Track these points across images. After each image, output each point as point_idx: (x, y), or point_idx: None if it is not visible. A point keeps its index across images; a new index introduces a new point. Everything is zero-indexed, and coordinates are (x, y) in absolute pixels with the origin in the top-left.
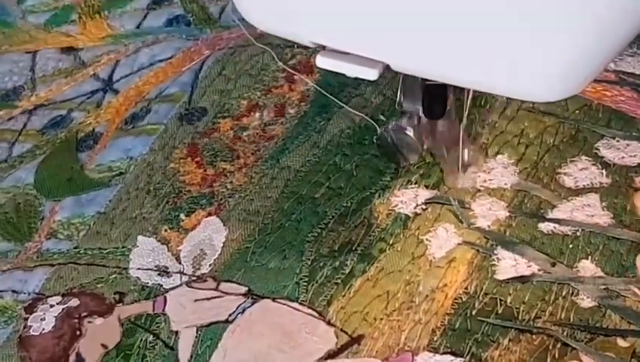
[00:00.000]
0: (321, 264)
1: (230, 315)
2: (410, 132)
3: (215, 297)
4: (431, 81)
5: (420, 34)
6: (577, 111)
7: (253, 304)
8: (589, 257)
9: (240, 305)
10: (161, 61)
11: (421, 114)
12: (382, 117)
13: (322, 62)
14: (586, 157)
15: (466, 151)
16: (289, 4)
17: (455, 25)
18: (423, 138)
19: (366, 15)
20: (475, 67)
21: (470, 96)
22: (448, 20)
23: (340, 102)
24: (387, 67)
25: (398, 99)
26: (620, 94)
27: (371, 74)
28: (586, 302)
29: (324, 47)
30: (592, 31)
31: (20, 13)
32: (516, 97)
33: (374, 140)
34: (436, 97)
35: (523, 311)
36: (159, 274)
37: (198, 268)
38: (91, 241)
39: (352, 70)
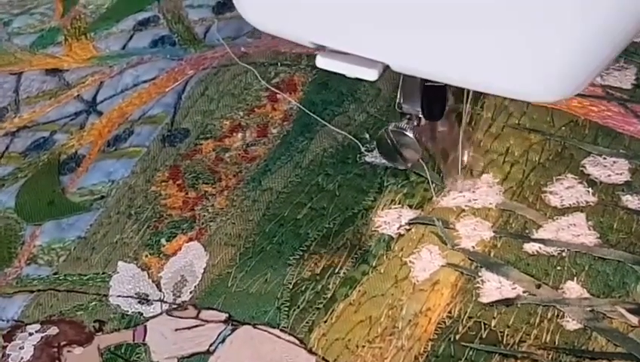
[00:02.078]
0: (303, 288)
1: (211, 345)
2: (409, 133)
3: (196, 326)
4: (430, 82)
5: (420, 34)
6: (563, 128)
7: (233, 331)
8: (575, 278)
9: (220, 333)
10: (145, 82)
11: (421, 115)
12: (367, 135)
13: (322, 62)
14: (572, 176)
15: (465, 153)
16: (289, 5)
17: (455, 25)
18: (422, 140)
19: (366, 15)
20: (475, 67)
21: (470, 98)
22: (448, 20)
23: (322, 121)
24: (387, 67)
25: (397, 100)
26: (607, 109)
27: (371, 74)
28: (571, 324)
29: (324, 48)
30: (592, 31)
31: (6, 35)
32: (515, 97)
33: (357, 159)
34: (435, 98)
35: (507, 334)
36: (139, 302)
37: (179, 296)
38: (71, 267)
39: (351, 70)
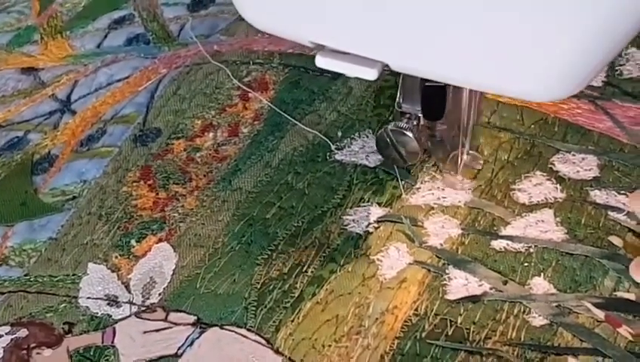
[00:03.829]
0: (271, 287)
1: (179, 348)
2: (409, 133)
3: (164, 329)
4: (430, 82)
5: (420, 34)
6: (533, 126)
7: (201, 334)
8: (542, 274)
9: (189, 336)
10: (118, 81)
11: (420, 115)
12: (339, 133)
13: (321, 62)
14: (541, 173)
15: (465, 152)
16: (288, 4)
17: (455, 25)
18: (422, 139)
19: (365, 14)
20: (475, 67)
21: (469, 97)
22: (448, 20)
23: (293, 120)
24: (387, 67)
25: (397, 99)
26: (577, 107)
27: (371, 74)
28: (537, 320)
29: (323, 47)
30: (592, 31)
31: None
32: (515, 97)
33: (327, 157)
34: (435, 99)
35: (474, 331)
36: (109, 304)
37: (148, 298)
38: (42, 268)
39: (351, 70)
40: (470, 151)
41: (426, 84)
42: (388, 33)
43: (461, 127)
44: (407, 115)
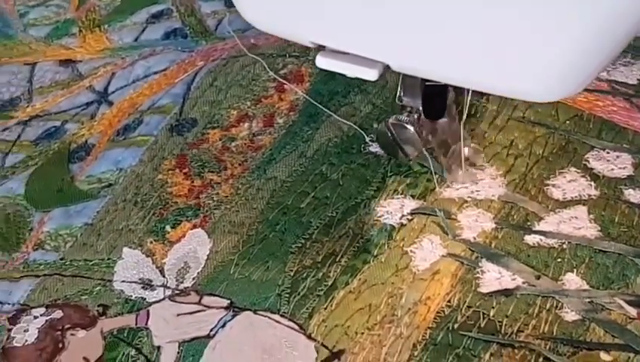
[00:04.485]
0: (304, 275)
1: (212, 330)
2: (410, 127)
3: (197, 311)
4: (430, 81)
5: (420, 34)
6: (568, 122)
7: (234, 317)
8: (575, 270)
9: (221, 318)
10: (155, 73)
11: (421, 109)
12: (375, 126)
13: (322, 62)
14: (575, 169)
15: (466, 147)
16: (289, 4)
17: (455, 25)
18: (423, 133)
19: (366, 15)
20: (475, 67)
21: (470, 94)
22: (448, 20)
23: (328, 111)
24: (387, 67)
25: (398, 93)
26: (613, 104)
27: (371, 74)
28: (570, 315)
29: (323, 47)
30: (592, 31)
31: (22, 26)
32: (515, 97)
33: (362, 149)
34: (436, 98)
35: (506, 324)
36: (143, 288)
37: (182, 282)
38: (77, 253)
39: (351, 70)
40: (472, 145)
41: (427, 83)
42: (388, 33)
43: (462, 121)
44: (408, 109)
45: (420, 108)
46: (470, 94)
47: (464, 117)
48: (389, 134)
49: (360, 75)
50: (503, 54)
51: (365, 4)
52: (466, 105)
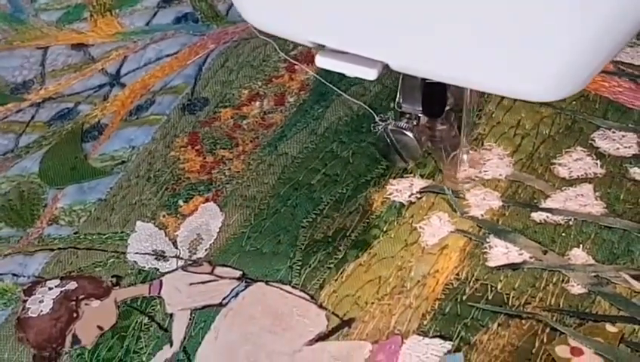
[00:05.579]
0: (315, 249)
1: (224, 299)
2: (409, 133)
3: (210, 281)
4: (430, 79)
5: (420, 34)
6: (574, 102)
7: (246, 287)
8: (581, 245)
9: (234, 288)
10: (167, 56)
11: (420, 114)
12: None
13: (321, 61)
14: (582, 148)
15: (465, 152)
16: (288, 4)
17: (455, 25)
18: (422, 139)
19: (365, 14)
20: (475, 67)
21: (469, 97)
22: (448, 20)
23: (338, 91)
24: (386, 67)
25: (397, 99)
26: (619, 85)
27: (371, 74)
28: (576, 288)
29: (323, 47)
30: (591, 31)
31: (33, 10)
32: (515, 97)
33: (372, 128)
34: (435, 95)
35: (513, 296)
36: (156, 259)
37: (195, 253)
38: (91, 227)
39: (351, 69)
40: (470, 151)
41: (427, 81)
42: (387, 33)
43: (461, 128)
44: (407, 115)
45: (419, 114)
46: (469, 100)
47: (463, 122)
48: (388, 140)
49: (359, 75)
50: (503, 54)
51: (365, 4)
52: (465, 110)
